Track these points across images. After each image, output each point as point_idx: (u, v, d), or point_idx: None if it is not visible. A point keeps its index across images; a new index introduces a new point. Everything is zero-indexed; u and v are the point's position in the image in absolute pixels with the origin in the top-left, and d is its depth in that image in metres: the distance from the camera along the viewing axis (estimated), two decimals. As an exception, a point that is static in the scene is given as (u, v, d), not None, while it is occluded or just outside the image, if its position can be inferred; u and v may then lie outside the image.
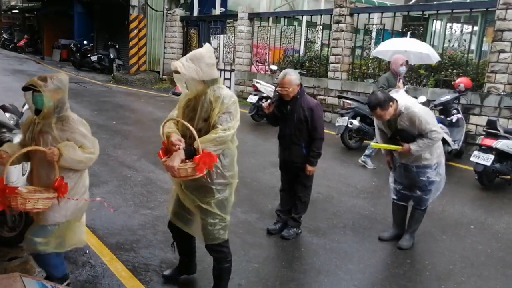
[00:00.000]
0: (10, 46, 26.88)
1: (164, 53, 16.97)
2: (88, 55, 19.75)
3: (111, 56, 18.70)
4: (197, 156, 2.71)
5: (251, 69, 13.88)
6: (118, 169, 6.29)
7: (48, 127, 2.92)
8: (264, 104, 4.33)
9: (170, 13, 16.56)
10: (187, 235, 3.31)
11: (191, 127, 2.75)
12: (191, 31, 16.19)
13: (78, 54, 20.12)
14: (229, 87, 14.29)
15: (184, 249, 3.44)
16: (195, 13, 16.36)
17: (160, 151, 2.90)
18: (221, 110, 2.83)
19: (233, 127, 2.85)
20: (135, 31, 16.61)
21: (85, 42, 20.73)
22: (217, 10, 15.88)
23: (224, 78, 14.48)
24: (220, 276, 3.19)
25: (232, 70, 14.29)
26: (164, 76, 16.75)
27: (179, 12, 16.36)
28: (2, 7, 31.46)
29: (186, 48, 16.28)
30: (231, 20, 14.55)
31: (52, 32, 24.21)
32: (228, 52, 14.50)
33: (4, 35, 28.71)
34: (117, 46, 18.83)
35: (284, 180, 4.50)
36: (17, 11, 30.63)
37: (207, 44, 3.05)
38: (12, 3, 30.91)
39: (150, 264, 3.73)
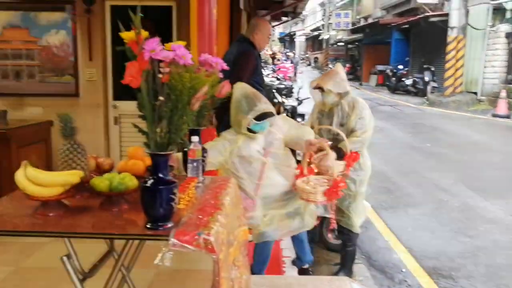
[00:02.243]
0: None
1: (484, 72, 15.75)
2: (403, 79, 20.28)
3: (426, 79, 18.60)
4: (347, 155, 3.09)
5: None
6: (433, 191, 6.19)
7: None
8: None
9: (493, 30, 15.30)
10: None
11: (341, 133, 3.10)
12: (519, 46, 14.52)
13: (394, 78, 20.93)
14: None
15: None
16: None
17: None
18: (356, 117, 3.22)
19: (369, 130, 3.24)
20: (453, 53, 16.08)
21: (400, 66, 21.37)
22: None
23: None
24: None
25: None
26: (482, 97, 15.53)
27: (504, 28, 14.91)
28: (330, 41, 35.92)
29: (511, 66, 14.67)
30: None
31: (370, 60, 26.07)
32: None
33: (330, 66, 32.61)
34: (432, 69, 18.63)
35: None
36: (342, 43, 34.34)
37: (338, 63, 3.54)
38: (338, 37, 34.84)
39: (471, 296, 3.52)
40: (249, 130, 2.79)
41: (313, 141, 2.80)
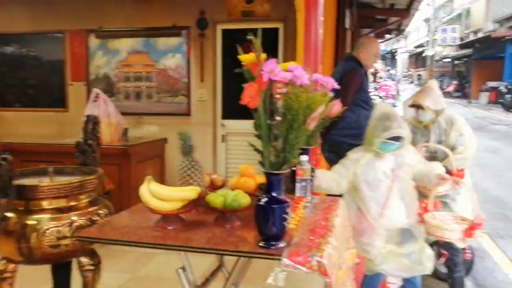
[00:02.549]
0: (438, 92, 28.81)
1: None
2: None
3: (548, 95, 16.94)
4: (455, 173, 2.88)
5: None
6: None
7: None
8: None
9: None
10: None
11: (447, 150, 2.95)
12: None
13: (509, 95, 19.37)
14: None
15: None
16: None
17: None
18: (456, 133, 3.15)
19: (471, 147, 3.13)
20: None
21: (516, 83, 19.75)
22: None
23: None
24: None
25: None
26: None
27: None
28: (435, 57, 34.26)
29: None
30: None
31: (480, 76, 24.39)
32: None
33: (435, 83, 31.11)
34: (555, 85, 16.93)
35: None
36: (448, 59, 32.57)
37: (433, 80, 3.48)
38: (444, 53, 33.08)
39: None
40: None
41: (445, 175, 2.61)
